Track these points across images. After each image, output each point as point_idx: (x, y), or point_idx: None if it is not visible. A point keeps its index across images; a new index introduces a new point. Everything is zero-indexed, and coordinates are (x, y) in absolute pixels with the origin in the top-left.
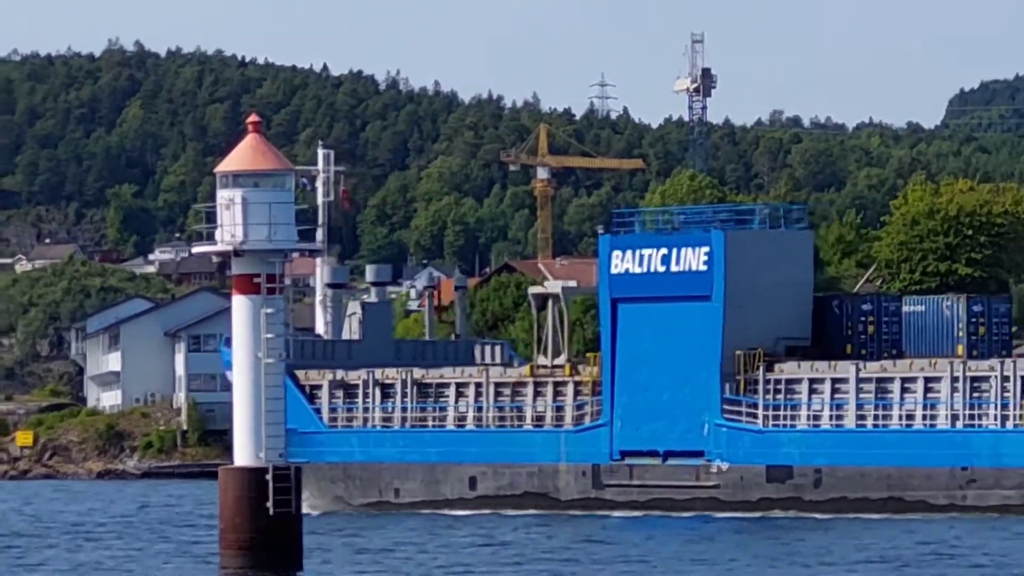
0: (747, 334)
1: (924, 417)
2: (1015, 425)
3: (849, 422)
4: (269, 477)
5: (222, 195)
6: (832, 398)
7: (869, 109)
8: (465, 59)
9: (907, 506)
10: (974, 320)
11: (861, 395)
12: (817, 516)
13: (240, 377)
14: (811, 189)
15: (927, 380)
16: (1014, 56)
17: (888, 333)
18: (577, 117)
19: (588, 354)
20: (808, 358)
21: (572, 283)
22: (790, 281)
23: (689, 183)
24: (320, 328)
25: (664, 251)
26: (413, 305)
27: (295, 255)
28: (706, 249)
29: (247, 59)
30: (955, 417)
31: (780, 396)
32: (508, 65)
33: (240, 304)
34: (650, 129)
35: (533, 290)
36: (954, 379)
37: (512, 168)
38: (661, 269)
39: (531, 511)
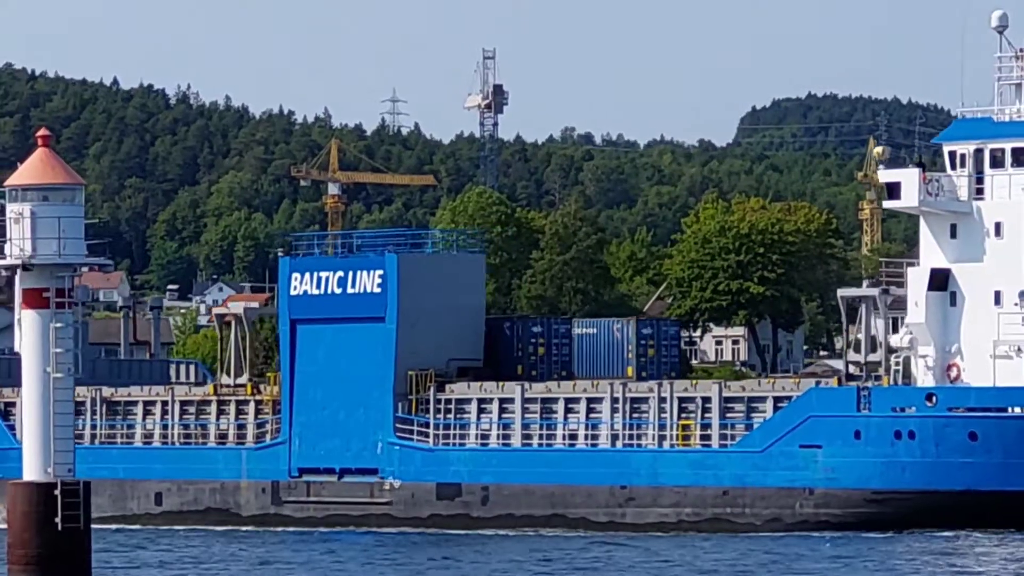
0: (420, 355)
1: (586, 437)
2: (672, 445)
3: (515, 441)
4: (58, 492)
5: (11, 209)
6: (500, 418)
7: (661, 127)
8: (256, 74)
9: (569, 523)
10: (644, 342)
11: (527, 415)
12: (485, 532)
13: (29, 392)
14: (602, 206)
15: (590, 401)
16: (806, 75)
17: (558, 355)
18: (368, 133)
19: (268, 373)
20: (480, 379)
21: (254, 304)
22: (462, 303)
23: (478, 199)
24: (18, 345)
25: (341, 273)
26: (203, 320)
27: (85, 269)
28: (380, 272)
29: (36, 72)
30: (615, 437)
31: (451, 416)
32: (299, 80)
33: (29, 319)
34: (441, 145)
35: (217, 311)
36: (614, 400)
37: (303, 183)
38: (338, 291)
39: (214, 527)
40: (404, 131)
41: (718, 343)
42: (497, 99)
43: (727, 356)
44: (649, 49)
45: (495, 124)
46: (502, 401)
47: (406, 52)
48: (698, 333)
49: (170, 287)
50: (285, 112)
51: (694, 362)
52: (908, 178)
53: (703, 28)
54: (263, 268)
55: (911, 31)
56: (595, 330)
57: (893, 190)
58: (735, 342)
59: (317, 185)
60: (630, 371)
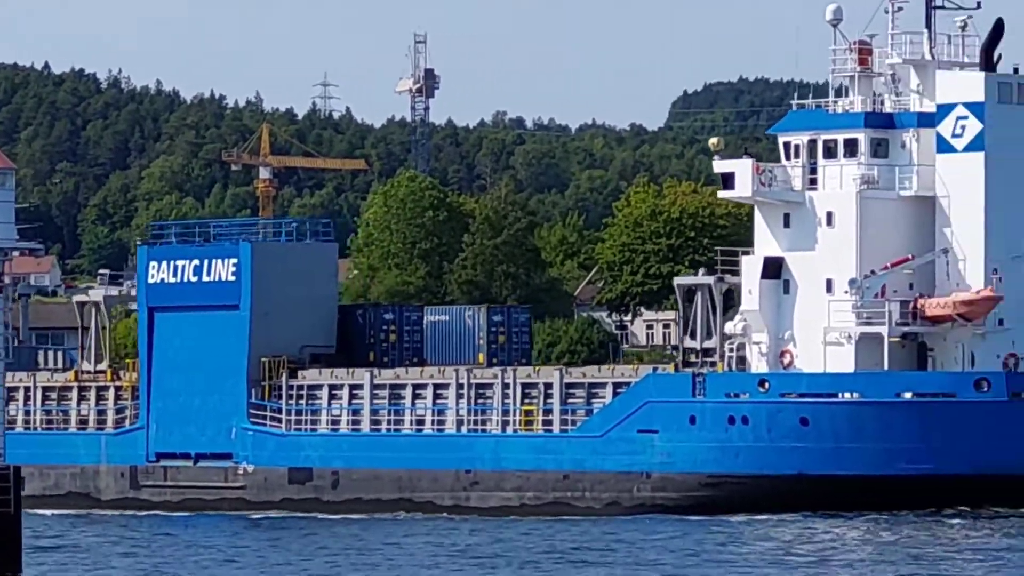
0: (273, 342)
1: (433, 422)
2: (514, 430)
3: (365, 427)
4: None
5: None
6: (350, 403)
7: (592, 111)
8: (187, 58)
9: (416, 506)
10: (494, 329)
11: (376, 401)
12: (334, 516)
13: None
14: (534, 190)
15: (436, 387)
16: (737, 59)
17: (410, 342)
18: (299, 117)
19: (127, 360)
20: (332, 365)
21: (114, 291)
22: (315, 292)
23: (410, 184)
24: None
25: (196, 262)
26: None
27: (16, 254)
28: (234, 261)
29: None
30: (461, 422)
31: (303, 401)
32: (230, 65)
33: None
34: (373, 130)
35: (78, 298)
36: (460, 386)
37: (234, 168)
38: (193, 279)
39: (74, 511)
40: (335, 115)
41: (649, 327)
42: (428, 83)
43: (658, 340)
44: (580, 33)
45: (426, 108)
46: (352, 387)
47: (337, 36)
48: (629, 317)
49: (101, 271)
50: (216, 96)
51: (625, 346)
52: (741, 169)
53: (634, 12)
54: None
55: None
56: (447, 317)
57: (727, 180)
58: (666, 326)
59: (248, 169)
60: (481, 358)
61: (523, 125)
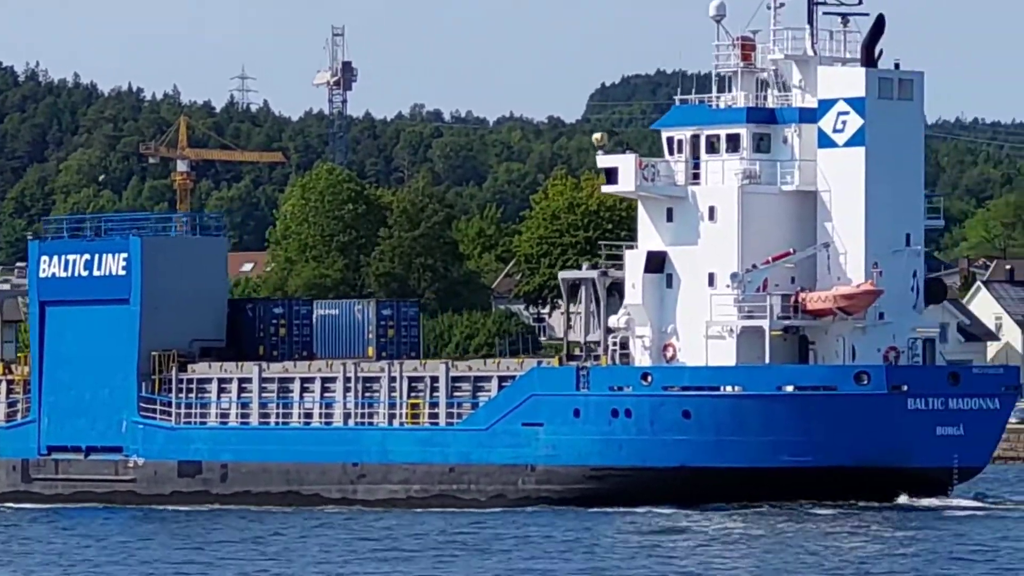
0: (163, 336)
1: (321, 416)
2: (401, 424)
3: (253, 420)
4: None
5: None
6: (239, 397)
7: (510, 103)
8: (105, 51)
9: (304, 499)
10: (383, 323)
11: (265, 394)
12: (222, 508)
13: None
14: (451, 183)
15: (324, 380)
16: (655, 51)
17: (299, 335)
18: (217, 110)
19: (19, 354)
20: (222, 359)
21: (6, 286)
22: (205, 286)
23: (327, 177)
24: None
25: (87, 256)
26: None
27: None
28: (125, 255)
29: None
30: (348, 416)
31: (192, 395)
32: (148, 58)
33: None
34: (290, 122)
35: None
36: (347, 380)
37: (151, 161)
38: (84, 273)
39: None
40: (253, 108)
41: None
42: (346, 76)
43: None
44: (498, 25)
45: (344, 101)
46: (241, 381)
47: (255, 29)
48: (547, 310)
49: (19, 264)
50: (134, 89)
51: (543, 339)
52: (624, 164)
53: (552, 5)
54: None
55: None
56: (336, 311)
57: (611, 175)
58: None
59: (166, 162)
60: (370, 351)
61: (441, 118)
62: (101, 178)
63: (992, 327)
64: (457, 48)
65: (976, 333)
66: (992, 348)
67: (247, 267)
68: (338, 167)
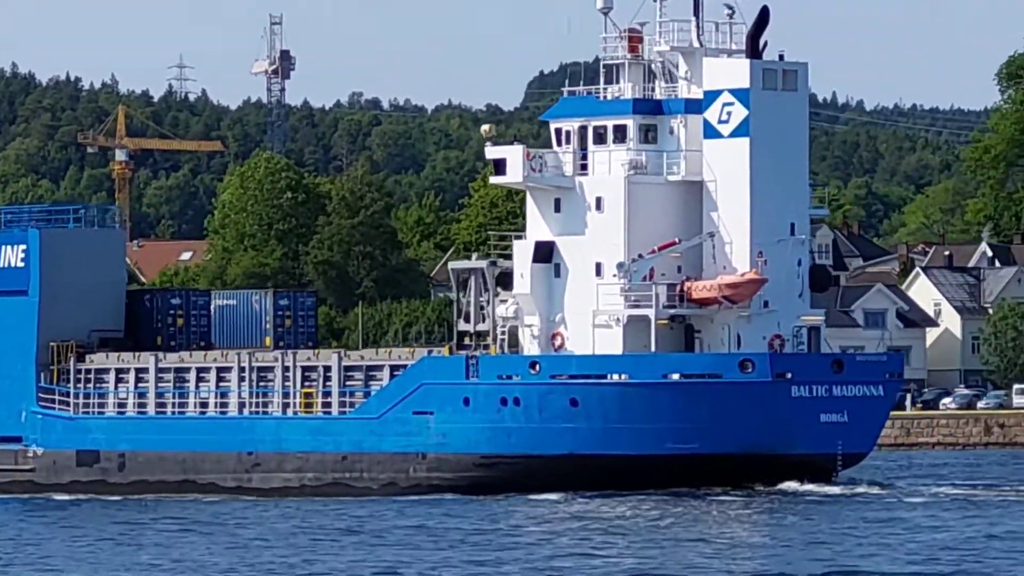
0: (62, 327)
1: (216, 405)
2: (295, 413)
3: (150, 410)
4: None
5: None
6: (136, 387)
7: (448, 91)
8: (43, 40)
9: (199, 488)
10: (281, 313)
11: (161, 384)
12: (118, 497)
13: None
14: (390, 171)
15: (220, 370)
16: (593, 39)
17: (197, 326)
18: (155, 99)
19: None
20: (120, 350)
21: None
22: (104, 277)
23: (266, 165)
24: None
25: None
26: None
27: None
28: (23, 247)
29: None
30: (243, 405)
31: (91, 385)
32: (86, 47)
33: None
34: (229, 111)
35: None
36: (242, 369)
37: (90, 150)
38: None
39: None
40: (191, 97)
41: None
42: (284, 65)
43: None
44: (436, 13)
45: (282, 90)
46: (138, 371)
47: (193, 18)
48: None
49: None
50: (72, 79)
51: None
52: (512, 155)
53: None
54: None
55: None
56: (234, 302)
57: (499, 166)
58: None
59: (104, 152)
60: (268, 341)
61: (379, 106)
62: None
63: (931, 313)
64: (395, 36)
65: (915, 319)
66: (931, 334)
67: (186, 256)
68: (276, 156)
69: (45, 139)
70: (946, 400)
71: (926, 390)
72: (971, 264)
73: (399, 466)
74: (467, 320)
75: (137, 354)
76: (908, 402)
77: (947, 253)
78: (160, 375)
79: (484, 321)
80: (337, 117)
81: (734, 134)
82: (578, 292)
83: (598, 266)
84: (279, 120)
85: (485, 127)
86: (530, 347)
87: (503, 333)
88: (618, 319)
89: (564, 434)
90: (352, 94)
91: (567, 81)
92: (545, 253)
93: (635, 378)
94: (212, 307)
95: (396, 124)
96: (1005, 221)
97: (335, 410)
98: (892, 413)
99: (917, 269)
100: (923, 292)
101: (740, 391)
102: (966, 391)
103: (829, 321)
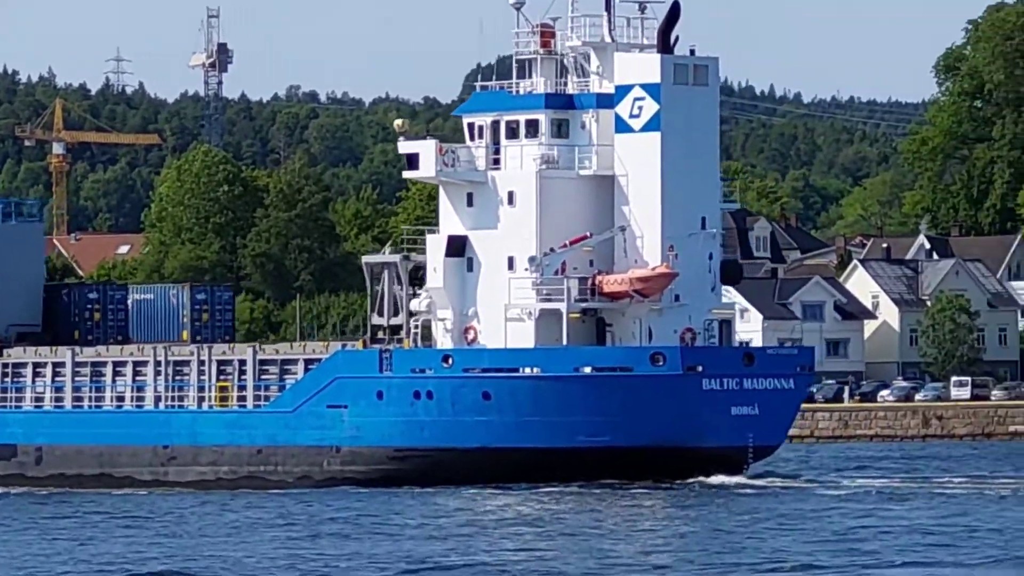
0: None
1: (133, 399)
2: (210, 406)
3: (67, 404)
4: None
5: None
6: (53, 381)
7: (386, 84)
8: None
9: (116, 482)
10: (198, 307)
11: (78, 378)
12: (38, 491)
13: None
14: (328, 164)
15: (136, 364)
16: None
17: (114, 320)
18: (93, 92)
19: None
20: (38, 344)
21: None
22: (21, 271)
23: (203, 158)
24: None
25: None
26: None
27: None
28: None
29: None
30: (159, 399)
31: (8, 379)
32: (22, 40)
33: None
34: (166, 104)
35: None
36: (158, 363)
37: (27, 143)
38: None
39: None
40: (129, 91)
41: None
42: (221, 58)
43: None
44: (373, 6)
45: (220, 83)
46: (55, 365)
47: (130, 11)
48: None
49: None
50: (9, 72)
51: None
52: (425, 149)
53: None
54: None
55: None
56: (151, 296)
57: (412, 161)
58: None
59: (41, 145)
60: (185, 335)
61: (317, 99)
62: None
63: (869, 305)
64: (333, 29)
65: (853, 312)
66: (869, 326)
67: (123, 249)
68: (214, 148)
69: None
70: (884, 392)
71: (864, 382)
72: (909, 256)
73: (313, 459)
74: (381, 314)
75: (54, 348)
76: (846, 394)
77: (885, 245)
78: (77, 369)
79: (398, 315)
80: (275, 110)
81: (645, 128)
82: (491, 286)
83: (510, 260)
84: (216, 113)
85: (398, 122)
86: (443, 341)
87: (416, 327)
88: (530, 313)
89: (477, 427)
90: (290, 87)
91: (479, 76)
92: (458, 247)
93: (547, 371)
94: (129, 301)
95: (334, 117)
96: (943, 213)
97: (250, 404)
98: (831, 406)
99: (855, 261)
100: (861, 284)
101: (651, 384)
102: (904, 383)
103: (767, 313)
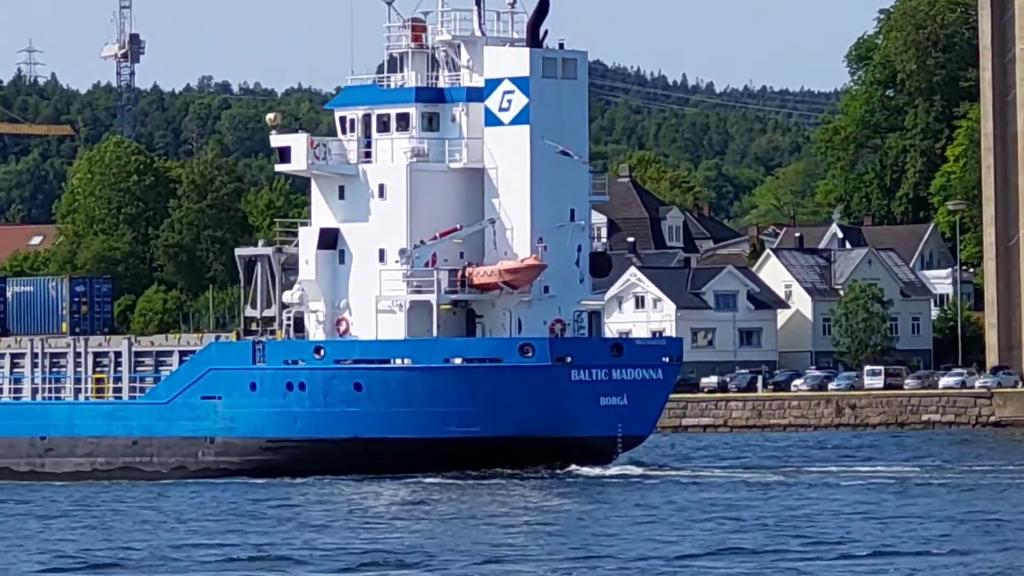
0: None
1: (10, 391)
2: (87, 398)
3: None
4: None
5: None
6: None
7: (298, 75)
8: None
9: None
10: (77, 299)
11: None
12: None
13: None
14: (241, 155)
15: (13, 356)
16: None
17: None
18: (4, 83)
19: None
20: None
21: None
22: None
23: (116, 149)
24: None
25: None
26: None
27: None
28: None
29: None
30: (36, 391)
31: None
32: None
33: None
34: (78, 95)
35: None
36: (35, 355)
37: None
38: None
39: None
40: (41, 81)
41: None
42: (134, 48)
43: None
44: None
45: (132, 74)
46: None
47: (42, 2)
48: None
49: None
50: None
51: None
52: (297, 143)
53: None
54: None
55: None
56: (31, 288)
57: (284, 154)
58: None
59: None
60: (64, 327)
61: (229, 90)
62: None
63: (782, 295)
64: (245, 19)
65: (766, 301)
66: (782, 316)
67: (35, 240)
68: (126, 139)
69: None
70: (797, 382)
71: (777, 372)
72: (821, 246)
73: (188, 450)
74: (254, 306)
75: None
76: (760, 384)
77: (798, 235)
78: None
79: (271, 307)
80: (187, 101)
81: (514, 122)
82: (362, 278)
83: (381, 252)
84: (129, 104)
85: (270, 116)
86: (315, 333)
87: (289, 319)
88: (401, 304)
89: (348, 418)
90: (202, 78)
91: (351, 70)
92: (329, 240)
93: (418, 363)
94: (8, 294)
95: (246, 108)
96: (855, 203)
97: (126, 395)
98: (744, 395)
99: (768, 251)
100: (774, 274)
101: (520, 375)
102: (817, 372)
103: (680, 303)
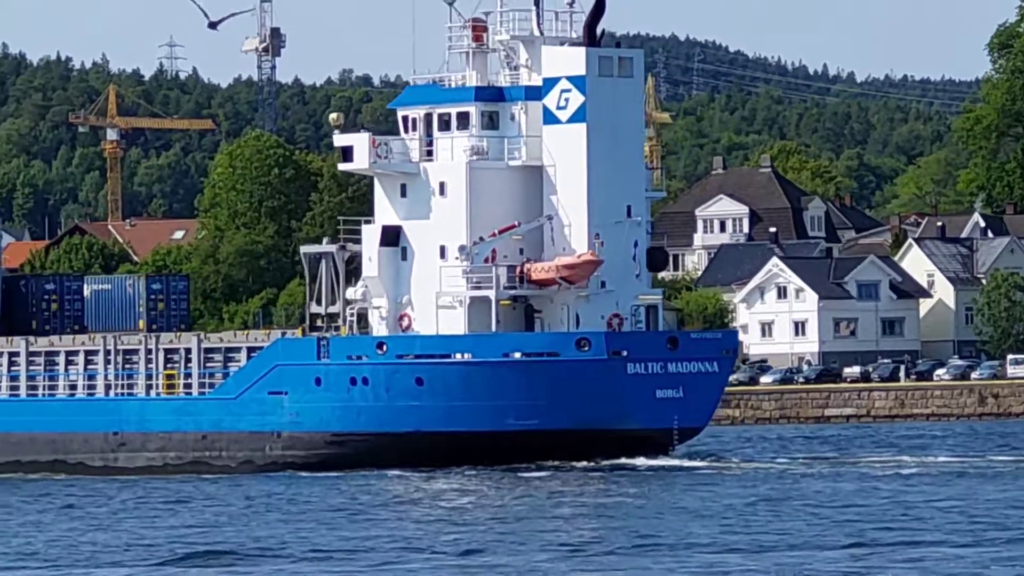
0: None
1: (84, 387)
2: (158, 394)
3: (22, 392)
4: None
5: None
6: (9, 370)
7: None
8: (33, 20)
9: (69, 468)
10: (154, 297)
11: (32, 367)
12: None
13: None
14: None
15: (87, 353)
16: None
17: (71, 310)
18: (146, 78)
19: None
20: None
21: None
22: None
23: (256, 143)
24: None
25: None
26: None
27: None
28: None
29: None
30: (109, 387)
31: None
32: (76, 26)
33: None
34: (219, 89)
35: None
36: (108, 352)
37: (81, 130)
38: None
39: None
40: (182, 76)
41: None
42: (274, 42)
43: None
44: None
45: (273, 67)
46: (11, 355)
47: None
48: None
49: None
50: (63, 58)
51: None
52: (359, 142)
53: None
54: (43, 215)
55: None
56: (109, 286)
57: (347, 153)
58: None
59: (96, 131)
60: (142, 324)
61: (370, 83)
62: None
63: (924, 284)
64: (386, 12)
65: (908, 290)
66: (924, 305)
67: (178, 235)
68: (267, 133)
69: (36, 119)
70: (940, 371)
71: (920, 361)
72: (964, 235)
73: (255, 444)
74: (319, 303)
75: (10, 338)
76: (902, 373)
77: (939, 224)
78: (31, 358)
79: (335, 303)
80: (328, 94)
81: (571, 120)
82: (423, 274)
83: (442, 249)
84: (270, 98)
85: (332, 115)
86: (378, 328)
87: (352, 315)
88: (461, 300)
89: (410, 412)
90: (343, 71)
91: (413, 70)
92: (392, 237)
93: (477, 357)
94: (86, 292)
95: (387, 100)
96: (997, 191)
97: (195, 391)
98: (887, 385)
99: (910, 240)
100: (916, 263)
101: (577, 369)
102: (960, 362)
103: (822, 293)
